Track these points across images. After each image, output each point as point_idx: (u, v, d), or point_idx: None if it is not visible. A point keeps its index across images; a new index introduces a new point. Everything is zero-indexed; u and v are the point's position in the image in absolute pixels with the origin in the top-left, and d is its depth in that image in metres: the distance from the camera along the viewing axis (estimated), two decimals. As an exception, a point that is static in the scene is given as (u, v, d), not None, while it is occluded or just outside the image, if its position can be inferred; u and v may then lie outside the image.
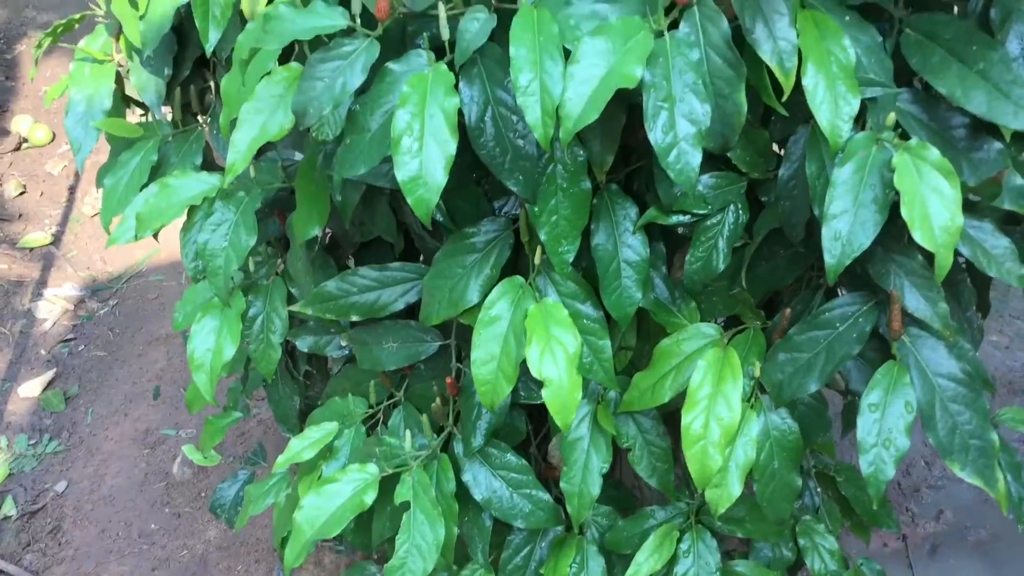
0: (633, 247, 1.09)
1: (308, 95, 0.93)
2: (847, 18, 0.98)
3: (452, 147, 0.91)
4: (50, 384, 2.73)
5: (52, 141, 3.72)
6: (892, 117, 0.94)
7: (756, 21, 0.93)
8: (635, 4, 0.93)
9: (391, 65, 0.96)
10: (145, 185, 1.28)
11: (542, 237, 1.04)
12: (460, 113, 0.92)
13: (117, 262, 3.19)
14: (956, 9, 1.05)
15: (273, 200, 1.28)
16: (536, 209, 1.03)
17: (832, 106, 0.93)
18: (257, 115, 1.00)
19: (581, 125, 0.87)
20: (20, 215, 3.38)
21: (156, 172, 1.31)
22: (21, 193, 3.47)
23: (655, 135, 0.90)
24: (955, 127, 1.00)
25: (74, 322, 2.95)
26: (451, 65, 0.95)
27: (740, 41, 0.95)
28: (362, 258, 1.37)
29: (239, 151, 1.00)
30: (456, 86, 0.93)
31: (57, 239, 3.29)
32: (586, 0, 0.92)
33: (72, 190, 3.51)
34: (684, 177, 0.91)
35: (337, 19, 0.92)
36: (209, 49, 1.07)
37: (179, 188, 1.18)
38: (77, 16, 1.31)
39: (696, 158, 0.91)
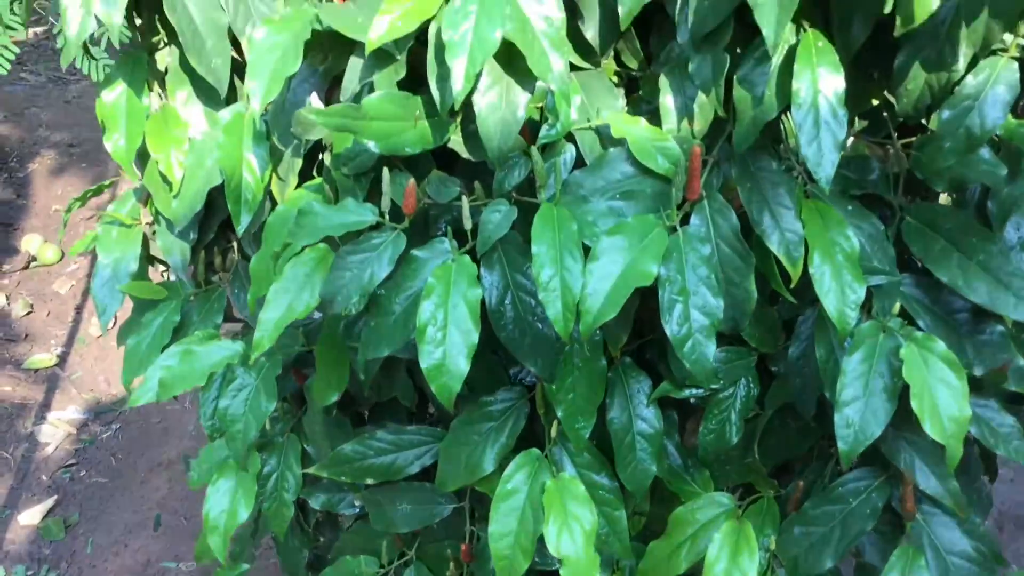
0: (647, 420, 1.11)
1: (337, 284, 0.97)
2: (849, 208, 1.03)
3: (474, 336, 0.94)
4: (50, 511, 2.70)
5: (61, 260, 3.78)
6: (897, 306, 0.98)
7: (763, 214, 0.98)
8: (649, 200, 0.98)
9: (416, 252, 1.00)
10: (167, 346, 1.31)
11: (559, 414, 1.07)
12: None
13: (121, 384, 3.19)
14: (953, 196, 1.10)
15: (292, 360, 1.31)
16: (553, 387, 1.05)
17: (839, 294, 0.97)
18: (284, 295, 1.04)
19: (600, 322, 0.90)
20: (26, 335, 3.41)
21: (178, 332, 1.34)
22: (28, 313, 3.51)
23: (671, 327, 0.94)
24: (958, 311, 1.04)
25: (76, 446, 2.94)
26: (472, 252, 0.99)
27: (748, 230, 0.99)
28: (376, 412, 1.39)
29: (266, 329, 1.03)
30: (478, 272, 0.97)
31: (62, 360, 3.31)
32: (603, 197, 0.97)
33: (79, 310, 3.55)
34: (699, 367, 0.94)
35: (367, 215, 0.96)
36: (240, 231, 1.11)
37: (202, 355, 1.21)
38: (107, 183, 1.37)
39: (710, 348, 0.94)
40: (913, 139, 1.07)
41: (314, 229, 0.95)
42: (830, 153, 0.89)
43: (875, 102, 1.08)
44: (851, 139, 1.11)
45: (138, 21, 1.25)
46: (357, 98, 0.95)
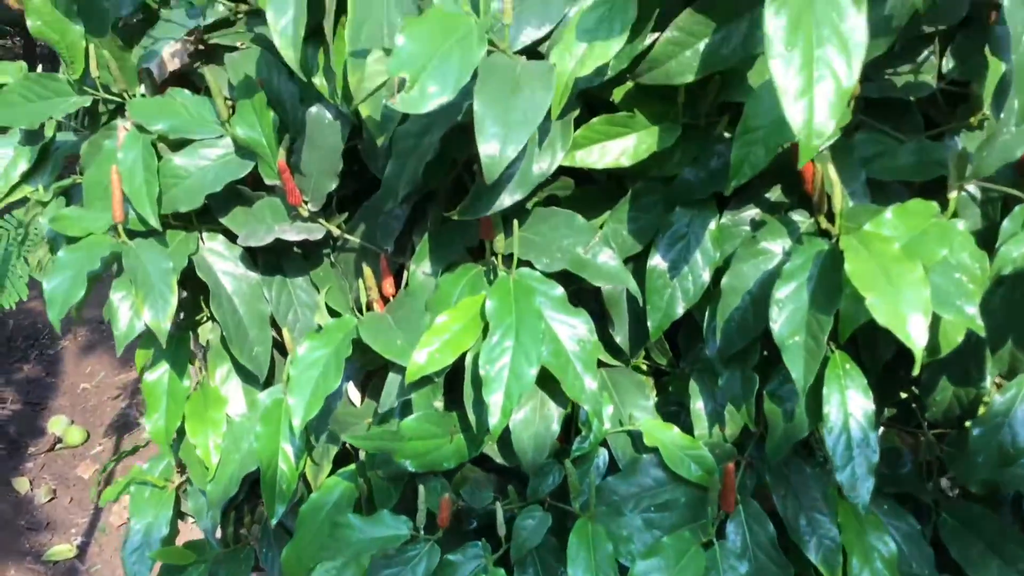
0: None
1: (370, 598, 0.96)
2: (885, 506, 1.03)
3: (511, 661, 0.92)
4: None
5: (86, 441, 3.79)
6: (941, 621, 0.96)
7: (799, 519, 0.98)
8: (683, 510, 0.98)
9: (449, 557, 0.99)
10: (194, 615, 1.30)
11: None
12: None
13: (139, 577, 3.13)
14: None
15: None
16: None
17: (881, 608, 0.95)
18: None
19: (640, 653, 0.89)
20: (47, 523, 3.38)
21: (206, 597, 1.33)
22: (51, 499, 3.49)
23: (711, 653, 0.92)
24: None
25: (90, 649, 2.86)
26: (506, 555, 0.99)
27: (783, 527, 0.99)
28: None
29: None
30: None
31: (82, 551, 3.27)
32: (637, 506, 0.97)
33: (101, 496, 3.53)
34: None
35: (402, 529, 0.97)
36: (274, 521, 1.12)
37: (230, 637, 1.20)
38: (143, 443, 1.39)
39: (753, 673, 0.92)
40: (947, 432, 1.08)
41: (348, 544, 0.95)
42: (865, 479, 0.89)
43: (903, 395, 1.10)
44: (881, 428, 1.11)
45: (183, 293, 1.30)
46: (386, 417, 0.97)
